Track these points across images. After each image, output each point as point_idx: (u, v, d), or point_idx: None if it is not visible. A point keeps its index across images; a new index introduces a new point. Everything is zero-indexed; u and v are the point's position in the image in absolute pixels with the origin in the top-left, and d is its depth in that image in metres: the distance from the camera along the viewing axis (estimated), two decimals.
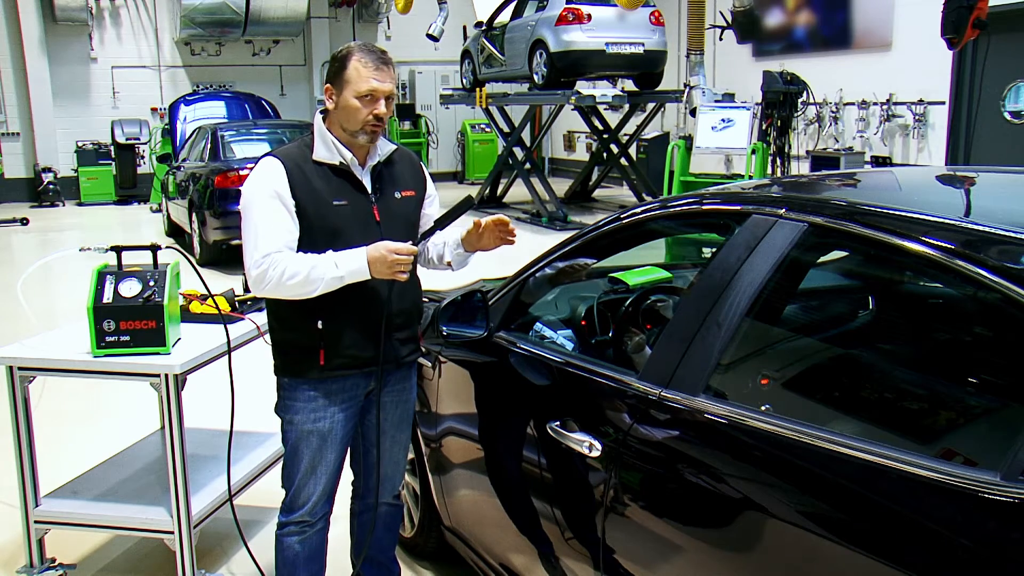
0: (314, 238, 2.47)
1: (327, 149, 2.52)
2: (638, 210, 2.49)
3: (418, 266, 2.75)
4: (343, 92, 2.46)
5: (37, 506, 3.10)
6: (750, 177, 9.85)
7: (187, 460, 2.98)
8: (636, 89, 12.58)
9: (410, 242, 2.49)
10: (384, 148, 2.60)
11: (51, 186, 15.78)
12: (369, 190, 2.56)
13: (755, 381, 2.21)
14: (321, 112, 2.57)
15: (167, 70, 17.18)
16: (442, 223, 2.61)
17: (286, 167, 2.47)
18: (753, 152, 10.10)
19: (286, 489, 2.69)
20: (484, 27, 13.25)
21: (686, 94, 11.28)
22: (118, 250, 2.93)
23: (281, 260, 2.40)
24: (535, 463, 2.50)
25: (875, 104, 10.86)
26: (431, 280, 2.97)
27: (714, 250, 2.17)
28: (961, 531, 1.48)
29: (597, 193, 14.49)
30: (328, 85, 2.51)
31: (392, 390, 2.72)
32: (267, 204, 2.45)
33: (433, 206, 2.78)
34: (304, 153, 2.52)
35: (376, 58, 2.46)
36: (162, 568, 3.40)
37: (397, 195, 2.62)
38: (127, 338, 2.87)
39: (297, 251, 2.46)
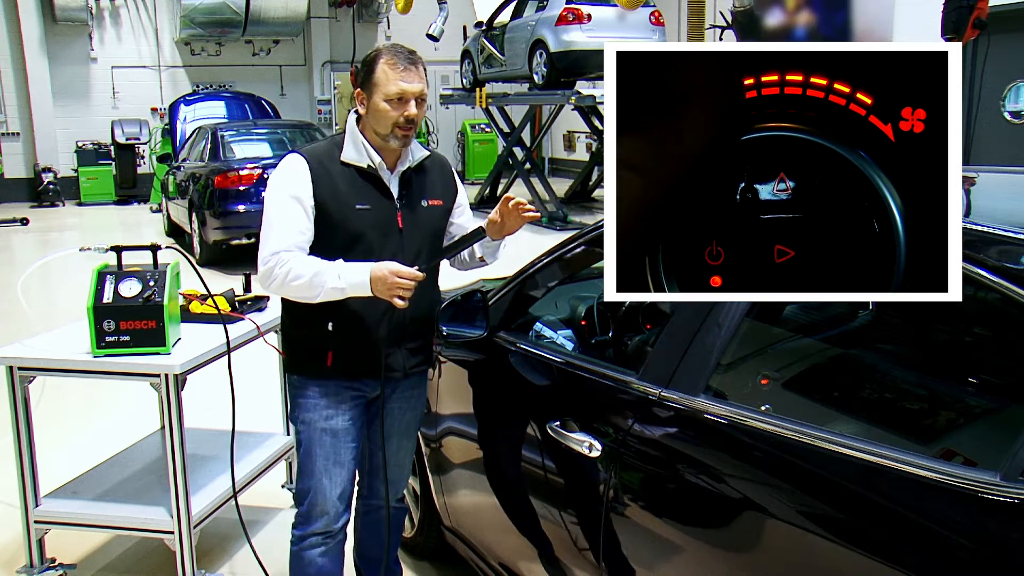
0: (333, 240, 2.43)
1: (356, 151, 2.47)
2: None
3: (452, 268, 2.71)
4: (373, 96, 2.41)
5: (37, 506, 3.10)
6: None
7: (187, 460, 2.98)
8: None
9: (416, 267, 2.39)
10: (416, 154, 2.55)
11: (51, 186, 15.79)
12: (395, 196, 2.50)
13: (755, 381, 2.22)
14: (355, 115, 2.51)
15: (167, 70, 17.19)
16: (447, 252, 2.58)
17: (310, 166, 2.44)
18: None
19: (300, 500, 2.61)
20: (484, 27, 13.26)
21: None
22: (118, 250, 2.93)
23: (289, 260, 2.37)
24: (535, 463, 2.50)
25: None
26: None
27: None
28: (961, 531, 1.48)
29: (597, 193, 14.47)
30: (359, 90, 2.46)
31: (401, 396, 2.67)
32: (285, 202, 2.41)
33: (463, 216, 2.71)
34: (332, 152, 2.48)
35: (404, 58, 2.40)
36: (162, 568, 3.40)
37: (424, 203, 2.55)
38: (127, 338, 2.87)
39: (315, 253, 2.42)
